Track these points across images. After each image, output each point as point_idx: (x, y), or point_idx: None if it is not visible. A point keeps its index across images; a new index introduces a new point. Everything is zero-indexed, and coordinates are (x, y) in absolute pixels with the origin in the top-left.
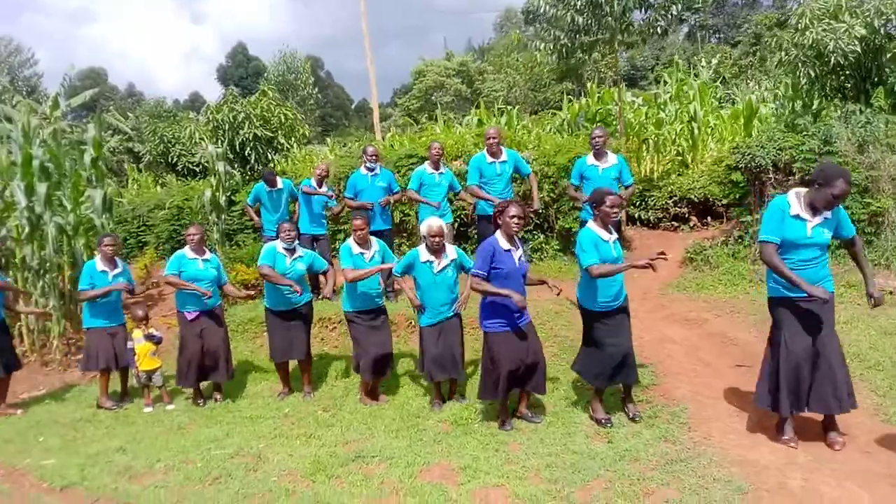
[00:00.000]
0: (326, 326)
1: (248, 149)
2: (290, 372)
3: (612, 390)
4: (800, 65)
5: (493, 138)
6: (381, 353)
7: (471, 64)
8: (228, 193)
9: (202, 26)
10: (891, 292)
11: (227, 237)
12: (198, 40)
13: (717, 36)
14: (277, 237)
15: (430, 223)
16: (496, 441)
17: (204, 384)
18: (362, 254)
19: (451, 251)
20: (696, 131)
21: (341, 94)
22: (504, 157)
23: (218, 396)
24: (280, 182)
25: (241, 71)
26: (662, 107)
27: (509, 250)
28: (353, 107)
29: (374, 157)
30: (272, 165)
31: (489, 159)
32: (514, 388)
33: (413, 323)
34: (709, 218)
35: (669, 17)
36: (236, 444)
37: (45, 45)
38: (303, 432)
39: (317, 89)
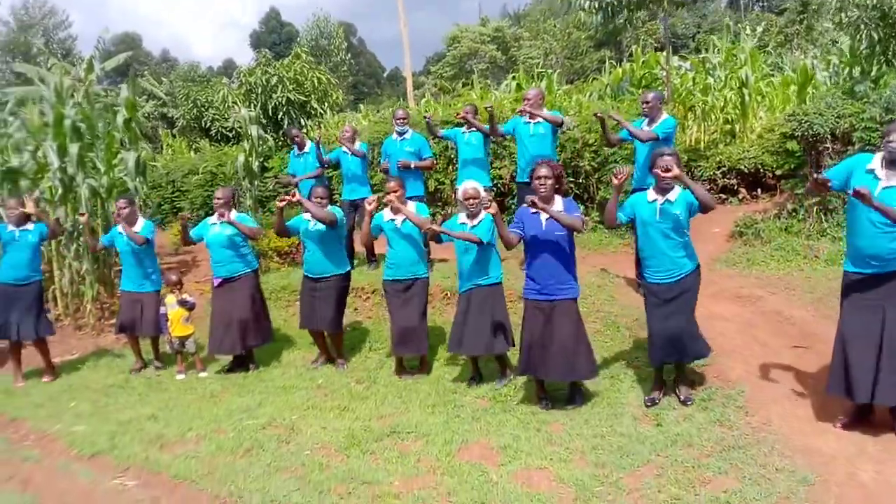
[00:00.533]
0: (360, 296)
1: (281, 113)
2: (325, 340)
3: (668, 370)
4: (862, 26)
5: (527, 100)
6: (402, 326)
7: (506, 30)
8: (261, 159)
9: None
10: None
11: (260, 203)
12: (231, 6)
13: (760, 4)
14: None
15: (465, 186)
16: (537, 420)
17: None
18: (392, 220)
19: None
20: (746, 98)
21: (373, 63)
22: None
23: (251, 366)
24: (308, 143)
25: (273, 37)
26: (711, 72)
27: (536, 213)
28: (385, 75)
29: (402, 121)
30: (305, 131)
31: (525, 119)
32: (528, 370)
33: (449, 294)
34: (759, 190)
35: None
36: (269, 415)
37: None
38: (336, 404)
39: (349, 55)
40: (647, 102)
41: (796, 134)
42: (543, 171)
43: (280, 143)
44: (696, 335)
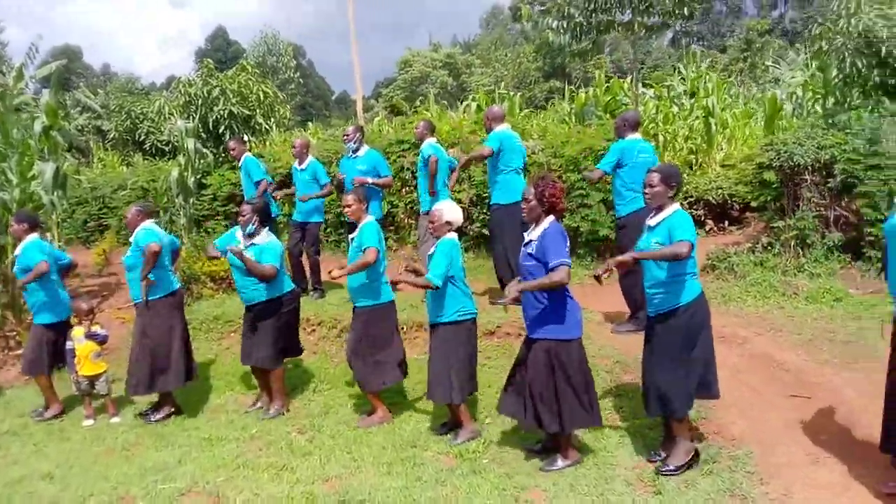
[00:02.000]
0: (304, 329)
1: (223, 127)
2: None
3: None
4: (846, 54)
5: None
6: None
7: (458, 56)
8: (199, 175)
9: (183, 10)
10: None
11: (196, 223)
12: (178, 24)
13: (701, 42)
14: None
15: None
16: (514, 485)
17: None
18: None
19: None
20: (713, 128)
21: (322, 85)
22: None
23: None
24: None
25: (220, 55)
26: (676, 100)
27: (527, 242)
28: (333, 98)
29: (349, 136)
30: (249, 147)
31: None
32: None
33: (416, 328)
34: (725, 222)
35: None
36: (190, 475)
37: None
38: (272, 462)
39: (298, 73)
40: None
41: (774, 164)
42: (526, 192)
43: (221, 158)
44: (664, 388)
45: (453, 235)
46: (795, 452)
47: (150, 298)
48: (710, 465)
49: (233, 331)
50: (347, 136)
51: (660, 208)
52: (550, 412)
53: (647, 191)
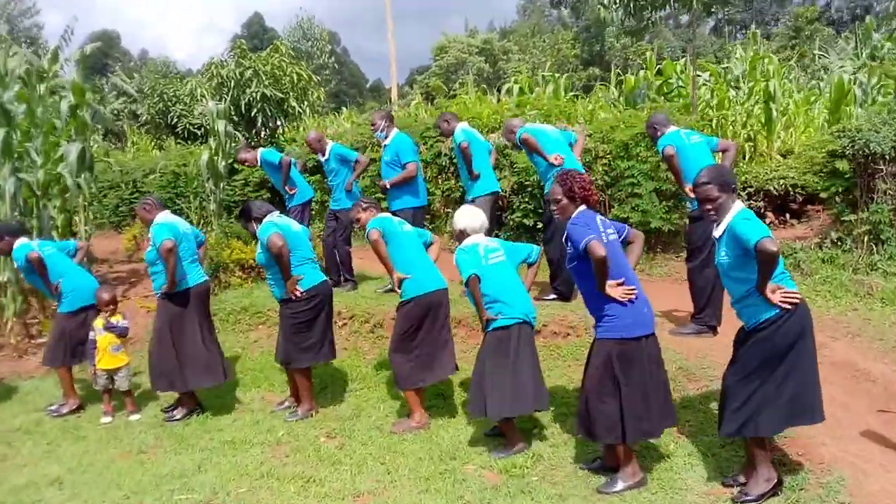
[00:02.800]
0: (336, 322)
1: (255, 110)
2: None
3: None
4: None
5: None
6: None
7: (495, 42)
8: (230, 160)
9: None
10: None
11: (227, 209)
12: (214, 11)
13: (743, 32)
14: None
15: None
16: None
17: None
18: None
19: None
20: (773, 114)
21: (356, 73)
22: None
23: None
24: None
25: (255, 42)
26: (733, 84)
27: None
28: (367, 86)
29: (376, 126)
30: (281, 131)
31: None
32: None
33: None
34: (787, 215)
35: None
36: (209, 485)
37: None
38: (299, 472)
39: (333, 59)
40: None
41: (847, 152)
42: (551, 190)
43: (253, 142)
44: (737, 405)
45: (473, 241)
46: (893, 478)
47: (162, 293)
48: (796, 493)
49: (261, 323)
50: (374, 125)
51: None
52: (608, 419)
53: (708, 206)
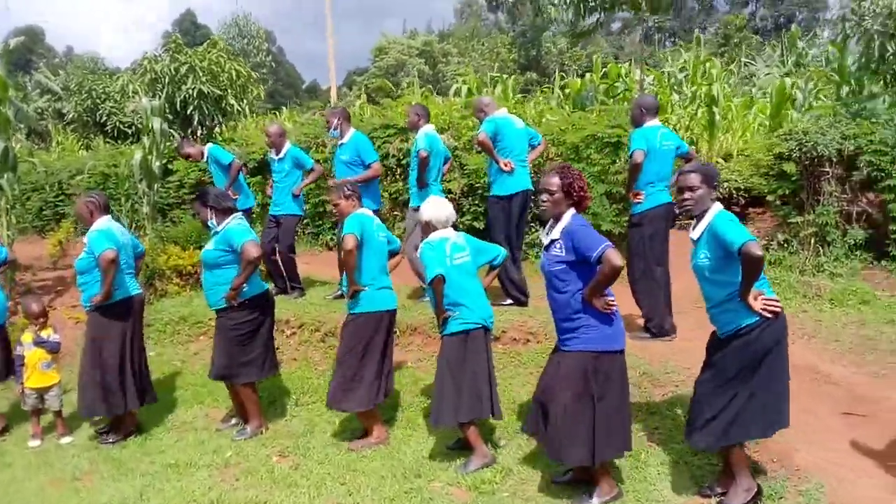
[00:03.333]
0: (283, 331)
1: (192, 107)
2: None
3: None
4: (876, 37)
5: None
6: None
7: (435, 45)
8: (164, 160)
9: None
10: None
11: (161, 212)
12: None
13: (672, 39)
14: None
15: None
16: None
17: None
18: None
19: None
20: (716, 117)
21: (292, 73)
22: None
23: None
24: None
25: (188, 39)
26: (676, 88)
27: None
28: (304, 87)
29: (331, 125)
30: (219, 130)
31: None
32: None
33: (399, 333)
34: None
35: None
36: None
37: None
38: (252, 496)
39: (270, 57)
40: (631, 108)
41: (794, 155)
42: (546, 180)
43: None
44: (711, 414)
45: (441, 235)
46: (869, 483)
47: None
48: (776, 502)
49: (202, 333)
50: (329, 123)
51: (700, 215)
52: (577, 439)
53: (686, 196)
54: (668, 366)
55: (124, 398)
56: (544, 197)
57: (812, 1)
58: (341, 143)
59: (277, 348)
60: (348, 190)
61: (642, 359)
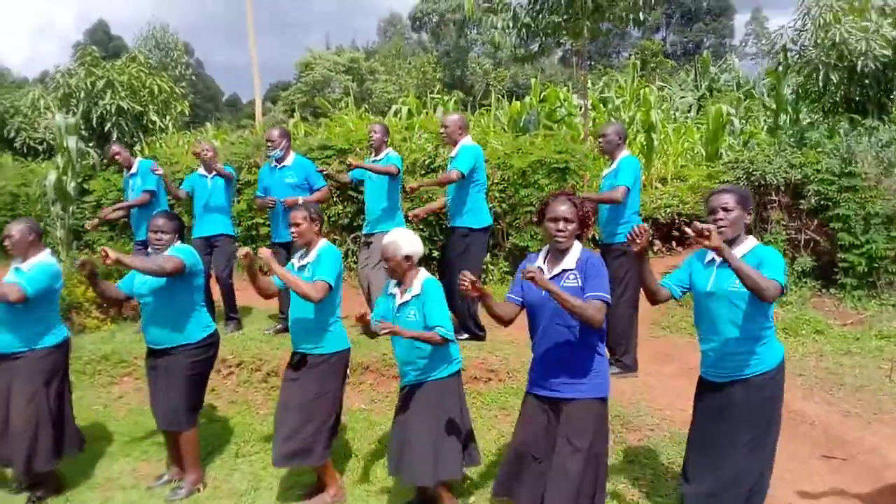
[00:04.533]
0: (219, 371)
1: (110, 124)
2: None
3: None
4: (820, 67)
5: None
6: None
7: (362, 62)
8: (80, 179)
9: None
10: None
11: (76, 235)
12: (51, 15)
13: (590, 62)
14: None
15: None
16: None
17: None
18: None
19: (417, 282)
20: (654, 142)
21: (212, 86)
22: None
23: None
24: (135, 161)
25: (100, 50)
26: (613, 113)
27: (557, 274)
28: (223, 100)
29: (275, 143)
30: (140, 148)
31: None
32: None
33: (350, 371)
34: (673, 243)
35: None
36: None
37: None
38: None
39: (190, 70)
40: (605, 136)
41: (741, 183)
42: (562, 208)
43: (106, 160)
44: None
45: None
46: None
47: (33, 348)
48: None
49: (127, 374)
50: (272, 142)
51: (730, 242)
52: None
53: (721, 216)
54: (639, 407)
55: (51, 450)
56: (562, 225)
57: (719, 28)
58: (283, 166)
59: (212, 390)
60: (315, 213)
61: (611, 398)
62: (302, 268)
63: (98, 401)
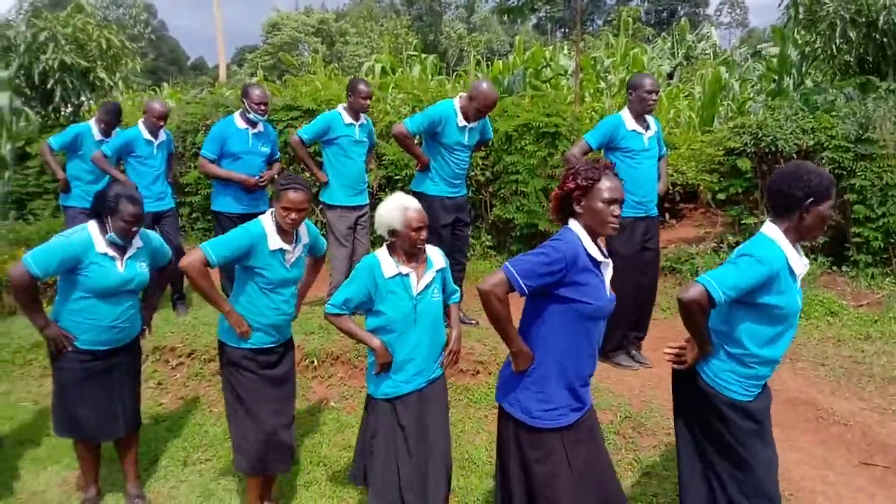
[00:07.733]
0: (168, 362)
1: (53, 81)
2: (100, 453)
3: None
4: (838, 22)
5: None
6: (280, 426)
7: (332, 23)
8: (19, 142)
9: None
10: None
11: (18, 204)
12: None
13: (563, 31)
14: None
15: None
16: None
17: None
18: (282, 250)
19: (438, 257)
20: None
21: (176, 49)
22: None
23: None
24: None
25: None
26: (603, 75)
27: (597, 264)
28: (188, 63)
29: (262, 107)
30: (88, 108)
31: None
32: None
33: (318, 363)
34: (666, 215)
35: None
36: None
37: None
38: None
39: (150, 29)
40: (658, 92)
41: (748, 150)
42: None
43: (49, 119)
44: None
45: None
46: None
47: None
48: None
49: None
50: (264, 105)
51: None
52: None
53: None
54: (651, 406)
55: None
56: (618, 211)
57: None
58: (257, 132)
59: (159, 384)
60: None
61: (620, 396)
62: (295, 263)
63: (28, 396)
